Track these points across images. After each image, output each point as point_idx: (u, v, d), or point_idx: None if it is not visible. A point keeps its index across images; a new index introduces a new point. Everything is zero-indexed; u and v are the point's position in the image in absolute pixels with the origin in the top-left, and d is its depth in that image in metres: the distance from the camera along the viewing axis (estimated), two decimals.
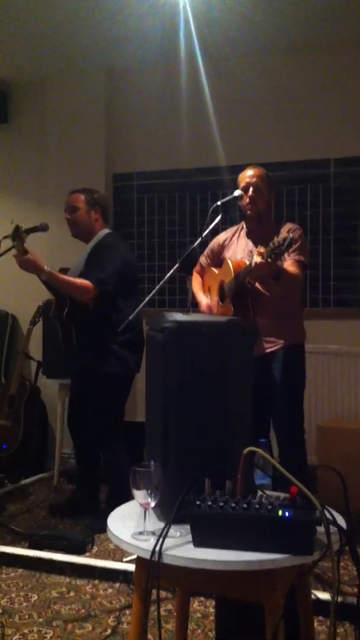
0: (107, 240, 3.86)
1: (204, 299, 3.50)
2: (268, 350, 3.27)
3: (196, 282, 3.59)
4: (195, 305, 3.47)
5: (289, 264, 3.19)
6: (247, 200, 3.30)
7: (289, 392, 3.33)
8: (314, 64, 4.75)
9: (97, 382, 3.74)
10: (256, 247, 3.19)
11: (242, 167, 3.43)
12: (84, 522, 3.83)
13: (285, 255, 3.09)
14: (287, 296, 3.28)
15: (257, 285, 3.18)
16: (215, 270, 3.48)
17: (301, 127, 4.77)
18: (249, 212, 3.33)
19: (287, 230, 3.22)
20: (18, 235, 3.51)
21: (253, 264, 2.91)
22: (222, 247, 3.52)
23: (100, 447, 3.86)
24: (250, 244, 3.38)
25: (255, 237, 3.38)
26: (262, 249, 2.86)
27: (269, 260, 2.80)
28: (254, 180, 3.31)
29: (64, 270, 3.93)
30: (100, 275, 3.64)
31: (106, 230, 3.93)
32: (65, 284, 3.65)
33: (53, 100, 5.34)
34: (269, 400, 3.28)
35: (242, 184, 3.33)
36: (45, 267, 3.56)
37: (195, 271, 3.51)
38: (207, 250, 3.60)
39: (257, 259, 2.88)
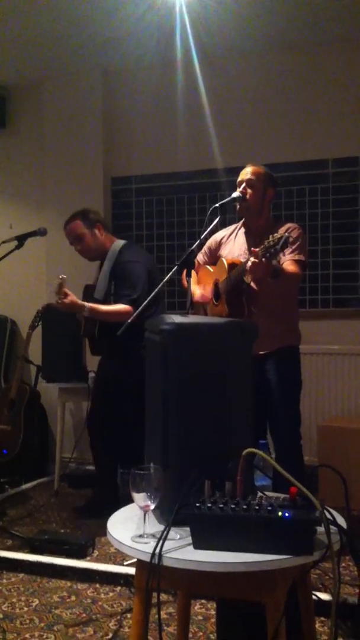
0: (127, 254, 3.86)
1: (197, 290, 3.49)
2: (262, 352, 3.24)
3: (192, 278, 3.58)
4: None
5: (287, 263, 3.17)
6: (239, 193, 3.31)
7: (284, 395, 3.30)
8: (311, 63, 4.75)
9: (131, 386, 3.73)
10: (253, 243, 3.18)
11: (240, 169, 3.43)
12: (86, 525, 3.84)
13: (283, 254, 3.07)
14: (283, 296, 3.26)
15: (252, 284, 3.17)
16: (211, 269, 3.47)
17: (299, 127, 4.77)
18: (238, 206, 3.33)
19: (285, 230, 3.20)
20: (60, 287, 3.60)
21: (249, 264, 2.90)
22: (219, 244, 3.52)
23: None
24: (246, 243, 3.37)
25: (252, 232, 3.37)
26: (256, 249, 2.84)
27: (264, 260, 2.79)
28: (247, 176, 3.32)
29: (90, 288, 3.95)
30: (133, 295, 3.67)
31: (120, 243, 3.93)
32: (105, 315, 3.71)
33: (50, 103, 5.34)
34: (265, 402, 3.26)
35: (238, 180, 3.35)
36: (85, 304, 3.62)
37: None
38: (204, 248, 3.59)
39: (252, 259, 2.87)
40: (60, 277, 3.60)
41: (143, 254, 4.00)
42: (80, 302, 3.66)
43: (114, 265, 3.84)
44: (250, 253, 2.92)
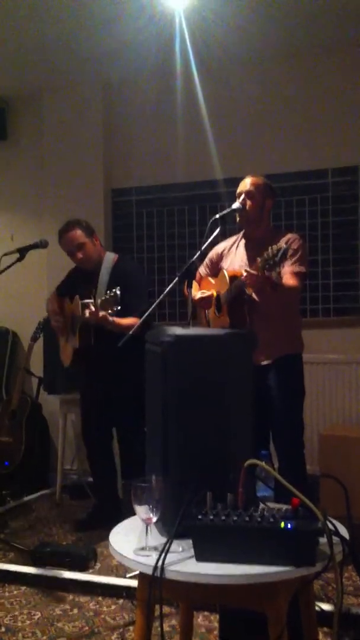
0: (128, 265, 3.92)
1: (198, 294, 3.47)
2: (264, 362, 3.24)
3: (194, 289, 3.58)
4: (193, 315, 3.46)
5: (287, 276, 3.18)
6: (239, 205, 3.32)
7: (287, 404, 3.30)
8: (310, 72, 4.76)
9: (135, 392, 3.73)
10: (253, 254, 3.19)
11: (240, 180, 3.44)
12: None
13: (283, 265, 3.08)
14: (284, 306, 3.27)
15: (253, 295, 3.17)
16: (212, 280, 3.48)
17: (298, 137, 4.78)
18: (238, 217, 3.34)
19: (285, 241, 3.21)
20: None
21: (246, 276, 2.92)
22: (221, 256, 3.53)
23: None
24: (246, 254, 3.38)
25: (252, 243, 3.38)
26: (256, 260, 2.86)
27: (264, 271, 2.79)
28: (247, 187, 3.33)
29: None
30: (142, 307, 3.60)
31: (111, 254, 3.96)
32: (125, 328, 3.59)
33: (50, 114, 5.36)
34: (268, 412, 3.25)
35: (238, 192, 3.36)
36: (112, 318, 3.59)
37: (194, 281, 3.51)
38: (206, 260, 3.61)
39: (250, 270, 2.88)
40: (117, 289, 3.58)
41: (141, 266, 4.04)
42: (110, 317, 3.59)
43: (113, 275, 3.84)
44: (250, 266, 2.94)
